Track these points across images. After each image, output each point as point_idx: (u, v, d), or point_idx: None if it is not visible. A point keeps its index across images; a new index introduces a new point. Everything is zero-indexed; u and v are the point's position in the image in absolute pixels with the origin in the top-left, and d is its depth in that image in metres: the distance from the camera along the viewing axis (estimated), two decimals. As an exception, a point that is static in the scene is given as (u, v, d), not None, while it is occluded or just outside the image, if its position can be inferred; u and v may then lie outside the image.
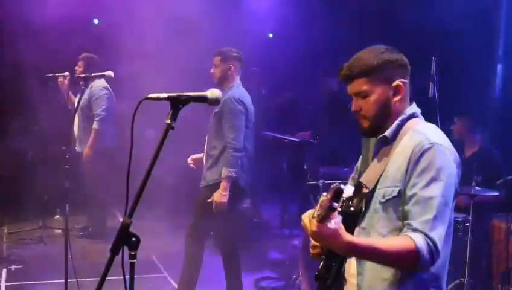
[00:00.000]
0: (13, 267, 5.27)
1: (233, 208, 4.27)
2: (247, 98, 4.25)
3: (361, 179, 2.05)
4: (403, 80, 2.01)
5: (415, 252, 1.79)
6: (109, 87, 6.15)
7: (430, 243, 1.80)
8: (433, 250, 1.81)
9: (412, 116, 2.03)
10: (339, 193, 1.65)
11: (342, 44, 6.61)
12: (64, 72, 5.63)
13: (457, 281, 4.52)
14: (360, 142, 2.21)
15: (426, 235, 1.81)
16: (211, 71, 4.28)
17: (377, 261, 1.92)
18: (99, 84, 6.07)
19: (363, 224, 2.01)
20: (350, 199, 2.01)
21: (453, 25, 5.64)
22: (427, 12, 6.04)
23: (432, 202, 1.83)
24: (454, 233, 4.56)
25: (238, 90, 4.23)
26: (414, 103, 2.07)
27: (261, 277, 5.23)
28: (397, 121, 2.01)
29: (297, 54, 6.92)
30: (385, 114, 2.01)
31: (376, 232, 1.96)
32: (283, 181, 7.01)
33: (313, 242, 2.01)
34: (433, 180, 1.85)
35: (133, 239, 1.78)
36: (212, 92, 1.89)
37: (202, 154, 4.34)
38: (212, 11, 6.09)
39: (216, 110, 4.16)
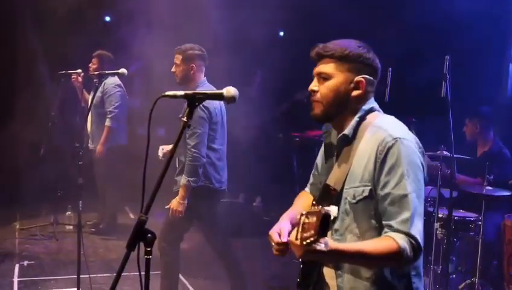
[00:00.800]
0: (25, 263, 5.31)
1: (210, 210, 4.21)
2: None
3: (328, 181, 2.05)
4: (367, 77, 2.01)
5: (399, 253, 1.80)
6: (122, 85, 6.18)
7: (412, 241, 1.82)
8: (416, 247, 1.83)
9: (370, 111, 2.03)
10: (327, 219, 1.58)
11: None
12: (76, 69, 5.67)
13: (468, 281, 4.51)
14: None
15: (407, 234, 1.82)
16: (172, 70, 4.12)
17: (363, 265, 1.93)
18: (112, 82, 6.10)
19: (336, 226, 1.99)
20: (319, 202, 2.00)
21: (464, 24, 5.61)
22: (438, 11, 6.01)
23: (406, 200, 1.85)
24: (466, 233, 4.58)
25: (202, 90, 3.91)
26: (372, 98, 2.06)
27: (270, 276, 5.24)
28: (355, 118, 2.01)
29: (306, 52, 6.91)
30: (340, 104, 2.00)
31: (350, 233, 1.96)
32: (293, 179, 7.02)
33: (275, 239, 1.97)
34: (403, 176, 1.86)
35: (149, 235, 1.78)
36: (228, 90, 1.89)
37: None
38: (226, 7, 6.09)
39: (180, 115, 3.93)
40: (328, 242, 1.63)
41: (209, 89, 4.06)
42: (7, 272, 5.07)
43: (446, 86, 4.17)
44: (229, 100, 1.90)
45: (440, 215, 4.55)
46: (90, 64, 6.12)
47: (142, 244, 1.80)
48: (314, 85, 2.03)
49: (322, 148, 2.22)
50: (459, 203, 4.76)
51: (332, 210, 1.60)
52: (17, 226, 6.54)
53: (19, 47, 7.27)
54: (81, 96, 5.88)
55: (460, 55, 4.75)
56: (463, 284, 4.53)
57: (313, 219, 1.58)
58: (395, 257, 1.81)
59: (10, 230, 6.42)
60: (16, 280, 4.91)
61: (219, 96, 1.89)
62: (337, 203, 1.99)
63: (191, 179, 3.95)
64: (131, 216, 7.19)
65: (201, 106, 3.84)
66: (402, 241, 1.81)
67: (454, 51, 4.33)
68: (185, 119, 1.84)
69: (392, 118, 2.05)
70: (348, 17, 6.62)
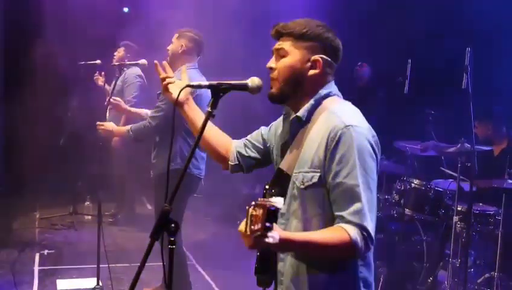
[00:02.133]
0: (46, 251, 5.37)
1: (183, 196, 4.07)
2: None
3: (281, 166, 2.02)
4: (325, 57, 1.97)
5: (350, 245, 1.77)
6: (143, 76, 6.19)
7: (364, 233, 1.79)
8: (368, 239, 1.80)
9: (327, 95, 1.98)
10: (273, 212, 1.53)
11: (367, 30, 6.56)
12: (95, 59, 5.69)
13: (487, 275, 4.48)
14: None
15: (359, 225, 1.79)
16: (167, 48, 4.15)
17: (313, 255, 1.90)
18: (133, 72, 6.11)
19: (282, 209, 1.94)
20: (272, 186, 1.99)
21: (487, 16, 5.55)
22: (462, 3, 5.96)
23: (358, 190, 1.81)
24: (485, 226, 4.54)
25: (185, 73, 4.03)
26: (332, 82, 2.02)
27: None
28: (311, 101, 1.96)
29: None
30: (296, 83, 1.96)
31: (296, 219, 1.93)
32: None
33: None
34: (355, 166, 1.82)
35: (173, 225, 1.79)
36: (253, 81, 1.89)
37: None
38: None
39: (158, 92, 4.01)
40: (277, 235, 1.57)
41: (195, 75, 4.00)
42: (28, 260, 5.13)
43: (467, 78, 4.12)
44: (254, 90, 1.89)
45: (459, 209, 4.52)
46: (115, 53, 6.15)
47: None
48: (271, 62, 2.01)
49: (278, 122, 2.17)
50: (478, 197, 4.72)
51: (278, 201, 1.53)
52: (37, 216, 6.62)
53: (37, 38, 7.32)
54: (106, 94, 5.88)
55: (482, 46, 4.69)
56: (482, 278, 4.50)
57: (260, 212, 1.55)
58: (346, 248, 1.78)
59: (30, 219, 6.50)
60: (36, 268, 4.97)
61: (244, 87, 1.89)
62: (286, 187, 1.97)
63: (132, 133, 4.02)
64: (149, 207, 7.23)
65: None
66: (353, 232, 1.78)
67: (476, 42, 4.28)
68: (209, 109, 1.84)
69: (349, 104, 2.00)
70: (369, 8, 6.59)
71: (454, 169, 4.67)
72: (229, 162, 2.24)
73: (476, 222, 4.55)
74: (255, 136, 2.24)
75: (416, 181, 4.87)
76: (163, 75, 2.25)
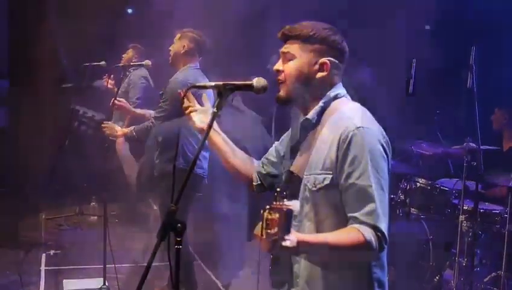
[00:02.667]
0: (52, 252, 5.40)
1: (188, 195, 4.06)
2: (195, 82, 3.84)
3: (292, 168, 2.03)
4: (332, 60, 1.97)
5: (365, 245, 1.78)
6: (149, 78, 6.20)
7: (378, 233, 1.80)
8: (382, 239, 1.81)
9: (336, 97, 2.00)
10: (290, 215, 1.56)
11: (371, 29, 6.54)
12: (100, 61, 5.70)
13: (493, 274, 4.47)
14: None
15: (373, 226, 1.80)
16: (169, 48, 4.17)
17: (329, 256, 1.90)
18: (139, 73, 6.13)
19: (294, 212, 1.93)
20: (283, 189, 1.95)
21: (492, 14, 5.53)
22: (467, 1, 5.94)
23: (371, 191, 1.82)
24: (491, 225, 4.53)
25: (187, 73, 4.07)
26: (340, 84, 2.03)
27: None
28: (320, 103, 1.98)
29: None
30: (304, 86, 1.97)
31: (309, 221, 1.94)
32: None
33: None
34: (366, 167, 1.83)
35: (179, 225, 1.79)
36: (258, 81, 1.89)
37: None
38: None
39: (161, 92, 4.07)
40: (294, 238, 1.60)
41: (190, 74, 4.03)
42: (34, 261, 5.15)
43: (472, 77, 4.11)
44: (259, 91, 1.90)
45: (465, 208, 4.51)
46: (124, 54, 6.17)
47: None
48: (279, 65, 2.02)
49: (289, 132, 2.18)
50: (484, 196, 4.70)
51: (294, 205, 1.56)
52: (43, 217, 6.63)
53: (41, 38, 7.34)
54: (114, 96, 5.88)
55: (488, 45, 4.68)
56: (488, 277, 4.49)
57: (276, 216, 1.56)
58: (361, 248, 1.79)
59: (36, 220, 6.52)
60: (42, 268, 5.00)
61: (249, 87, 1.89)
62: (298, 189, 1.97)
63: (136, 133, 4.10)
64: (154, 207, 7.24)
65: (181, 82, 3.84)
66: (368, 233, 1.78)
67: (482, 41, 4.27)
68: (215, 109, 1.85)
69: (358, 105, 2.01)
70: (372, 6, 6.57)
71: (459, 168, 4.66)
72: (253, 183, 2.26)
73: (482, 220, 4.53)
74: (271, 152, 2.25)
75: (421, 180, 4.86)
76: (186, 104, 2.26)
